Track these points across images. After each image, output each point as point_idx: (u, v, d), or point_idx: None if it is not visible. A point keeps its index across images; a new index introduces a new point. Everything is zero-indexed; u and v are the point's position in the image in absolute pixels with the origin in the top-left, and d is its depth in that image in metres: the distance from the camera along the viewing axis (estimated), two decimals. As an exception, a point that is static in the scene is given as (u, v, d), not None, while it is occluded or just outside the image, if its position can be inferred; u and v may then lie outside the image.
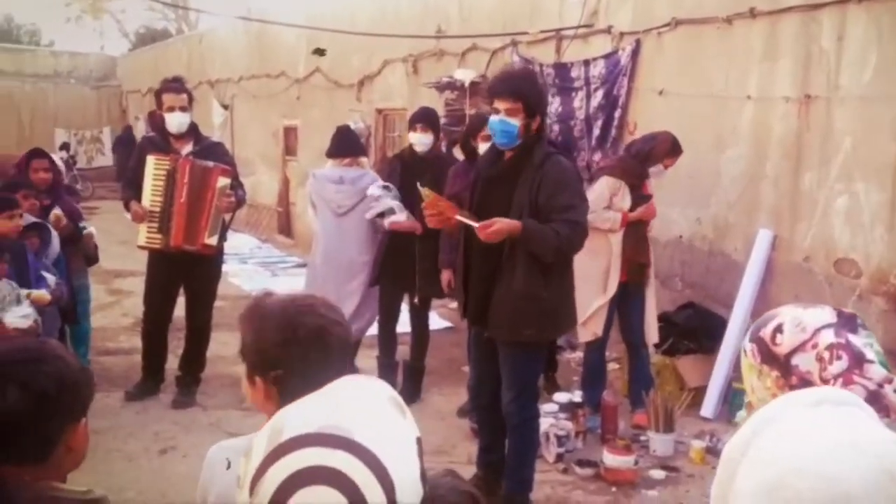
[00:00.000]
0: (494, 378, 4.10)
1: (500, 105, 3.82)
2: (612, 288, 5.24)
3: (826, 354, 1.48)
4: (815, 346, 1.49)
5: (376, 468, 1.08)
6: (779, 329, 1.53)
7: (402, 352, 5.99)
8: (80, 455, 1.74)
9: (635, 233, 5.26)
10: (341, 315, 1.69)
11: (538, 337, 4.01)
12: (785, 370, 1.51)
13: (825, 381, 1.48)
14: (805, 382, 1.49)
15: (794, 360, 1.50)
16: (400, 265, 5.63)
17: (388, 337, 5.91)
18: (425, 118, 5.70)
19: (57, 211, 5.48)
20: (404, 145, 6.67)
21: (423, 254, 5.56)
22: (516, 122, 3.81)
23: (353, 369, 1.59)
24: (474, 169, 4.25)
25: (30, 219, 5.10)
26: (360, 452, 1.08)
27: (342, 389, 1.22)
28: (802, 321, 1.52)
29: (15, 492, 1.63)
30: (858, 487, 0.94)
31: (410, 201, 5.39)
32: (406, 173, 5.61)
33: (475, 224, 3.75)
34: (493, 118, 3.86)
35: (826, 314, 1.53)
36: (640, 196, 5.28)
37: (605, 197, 5.19)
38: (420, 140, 5.63)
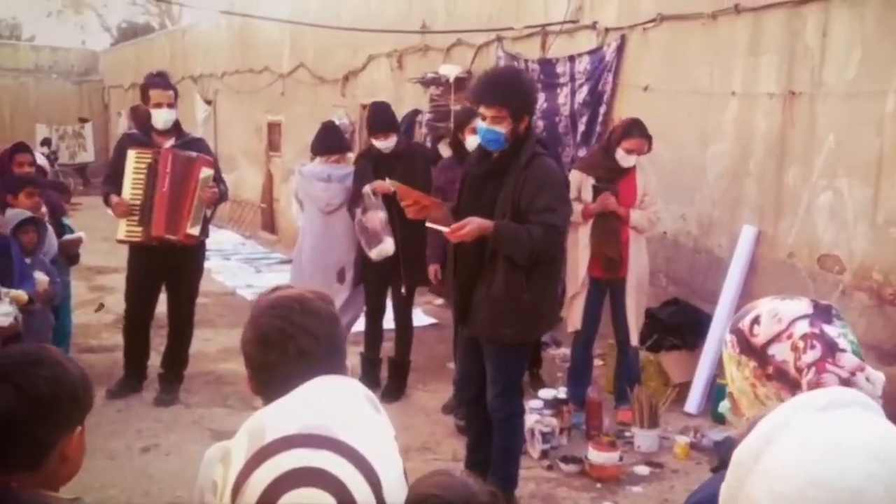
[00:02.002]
0: (479, 375, 4.09)
1: (485, 112, 3.77)
2: (580, 279, 5.30)
3: (800, 344, 1.53)
4: (790, 337, 1.54)
5: (362, 466, 1.06)
6: (756, 320, 1.58)
7: (388, 348, 5.97)
8: (76, 465, 1.68)
9: (601, 226, 5.25)
10: (319, 322, 1.57)
11: (519, 338, 3.96)
12: (762, 360, 1.56)
13: (799, 371, 1.52)
14: (781, 372, 1.54)
15: (771, 350, 1.55)
16: (382, 259, 5.61)
17: (373, 332, 5.89)
18: (381, 126, 5.60)
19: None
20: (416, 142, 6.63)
21: (405, 244, 5.53)
22: (503, 130, 3.76)
23: (344, 370, 1.52)
24: (464, 167, 4.21)
25: (24, 214, 5.04)
26: (345, 451, 1.06)
27: (318, 389, 1.20)
28: (779, 312, 1.57)
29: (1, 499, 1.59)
30: (882, 500, 0.93)
31: (386, 198, 5.43)
32: (378, 171, 5.54)
33: (445, 229, 3.73)
34: (481, 125, 3.83)
35: (802, 305, 1.58)
36: (604, 189, 5.25)
37: (572, 190, 5.19)
38: (384, 146, 5.59)
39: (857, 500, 0.94)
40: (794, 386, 1.53)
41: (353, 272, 5.86)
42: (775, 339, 1.55)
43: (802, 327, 1.54)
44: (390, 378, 5.78)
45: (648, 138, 5.25)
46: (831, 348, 1.51)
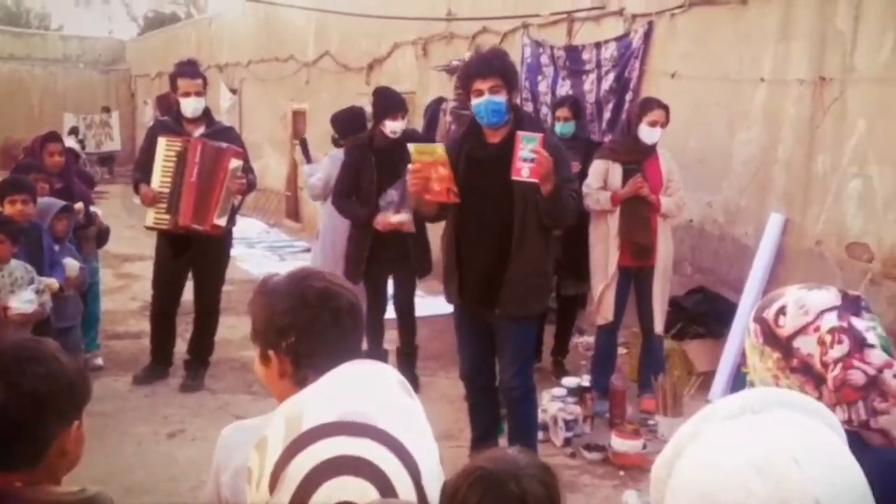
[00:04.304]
0: (489, 362, 4.19)
1: (482, 85, 3.83)
2: (611, 269, 5.22)
3: (827, 338, 1.47)
4: (816, 330, 1.48)
5: (402, 455, 1.04)
6: (782, 311, 1.52)
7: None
8: (75, 458, 1.66)
9: (630, 212, 5.17)
10: (347, 284, 1.64)
11: (540, 309, 4.19)
12: (786, 352, 1.51)
13: (825, 365, 1.47)
14: (805, 365, 1.49)
15: (796, 343, 1.49)
16: (387, 246, 5.42)
17: (376, 325, 5.61)
18: (396, 105, 5.48)
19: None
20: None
21: (419, 228, 5.41)
22: (502, 99, 3.85)
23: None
24: (453, 149, 4.05)
25: (59, 202, 5.11)
26: (385, 440, 1.04)
27: (353, 375, 1.18)
28: (806, 303, 1.51)
29: (5, 500, 1.56)
30: None
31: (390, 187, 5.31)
32: (381, 163, 5.35)
33: (538, 138, 3.62)
34: (478, 100, 3.85)
35: (830, 296, 1.51)
36: (634, 172, 5.16)
37: (597, 179, 5.20)
38: (398, 127, 5.42)
39: None
40: (818, 381, 1.48)
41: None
42: (801, 331, 1.49)
43: (830, 320, 1.48)
44: (399, 368, 5.67)
45: (665, 108, 5.21)
46: (859, 344, 1.46)
